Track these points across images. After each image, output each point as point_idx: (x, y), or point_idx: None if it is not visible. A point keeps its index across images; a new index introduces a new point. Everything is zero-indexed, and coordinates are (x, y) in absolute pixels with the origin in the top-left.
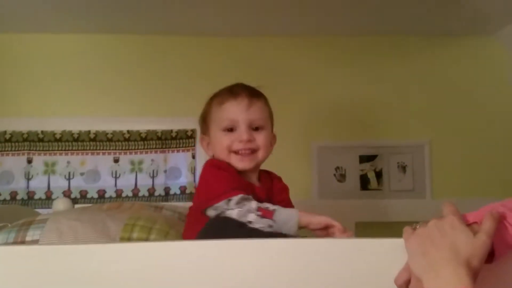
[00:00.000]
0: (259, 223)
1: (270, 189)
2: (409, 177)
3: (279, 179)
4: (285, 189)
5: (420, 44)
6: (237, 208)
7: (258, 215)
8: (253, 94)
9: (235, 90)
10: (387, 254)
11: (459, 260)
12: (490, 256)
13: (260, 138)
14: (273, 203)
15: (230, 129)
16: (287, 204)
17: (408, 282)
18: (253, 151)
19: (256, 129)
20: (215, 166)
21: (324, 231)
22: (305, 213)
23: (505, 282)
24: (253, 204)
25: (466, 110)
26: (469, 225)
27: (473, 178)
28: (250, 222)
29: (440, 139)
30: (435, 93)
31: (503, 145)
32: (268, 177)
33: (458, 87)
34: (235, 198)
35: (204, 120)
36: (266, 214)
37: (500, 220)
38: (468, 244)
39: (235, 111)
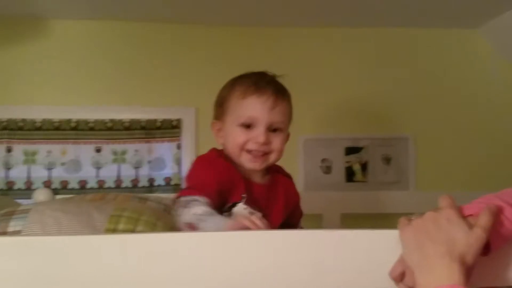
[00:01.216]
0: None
1: (277, 187)
2: (394, 169)
3: (290, 177)
4: (296, 195)
5: (404, 38)
6: (183, 207)
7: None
8: (278, 92)
9: (261, 85)
10: (382, 245)
11: (453, 255)
12: (486, 249)
13: (277, 141)
14: (278, 202)
15: (248, 126)
16: (296, 208)
17: (403, 274)
18: (266, 153)
19: (274, 130)
20: (202, 162)
21: None
22: (233, 224)
23: (497, 275)
24: (194, 210)
25: (450, 104)
26: (465, 217)
27: (457, 171)
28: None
29: (424, 132)
30: (419, 86)
31: (486, 138)
32: (277, 173)
33: (442, 80)
34: (188, 198)
35: (221, 105)
36: (191, 227)
37: (497, 213)
38: (463, 239)
39: (258, 110)
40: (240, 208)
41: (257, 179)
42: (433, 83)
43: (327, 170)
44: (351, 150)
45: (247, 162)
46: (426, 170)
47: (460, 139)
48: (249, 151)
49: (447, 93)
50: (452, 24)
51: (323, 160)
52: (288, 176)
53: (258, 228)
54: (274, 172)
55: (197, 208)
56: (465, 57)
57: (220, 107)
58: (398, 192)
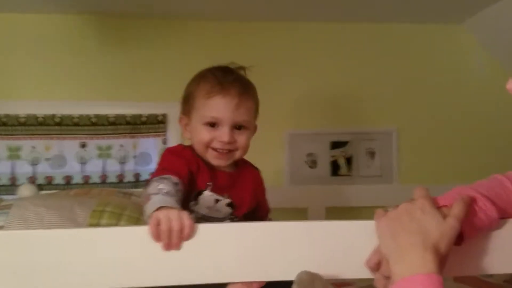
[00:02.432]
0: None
1: (244, 175)
2: (378, 163)
3: (257, 169)
4: (263, 187)
5: (389, 32)
6: (153, 183)
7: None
8: (243, 92)
9: (225, 85)
10: (358, 236)
11: (427, 244)
12: (459, 239)
13: (242, 139)
14: (245, 190)
15: (213, 124)
16: (263, 201)
17: (379, 264)
18: (231, 150)
19: (239, 127)
20: (170, 152)
21: None
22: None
23: (471, 264)
24: (161, 185)
25: (433, 98)
26: (439, 208)
27: (439, 164)
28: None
29: (408, 126)
30: (404, 81)
31: (469, 131)
32: (245, 164)
33: (427, 75)
34: (160, 176)
35: (187, 101)
36: (146, 200)
37: (470, 204)
38: (437, 229)
39: (222, 110)
40: (206, 195)
41: (223, 167)
42: (418, 77)
43: (313, 164)
44: (336, 145)
45: (213, 158)
46: (409, 164)
47: (444, 133)
48: (214, 149)
49: (432, 88)
50: (437, 18)
51: (309, 155)
52: (255, 168)
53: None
54: (243, 163)
55: (163, 184)
56: (450, 51)
57: (187, 103)
58: (382, 185)
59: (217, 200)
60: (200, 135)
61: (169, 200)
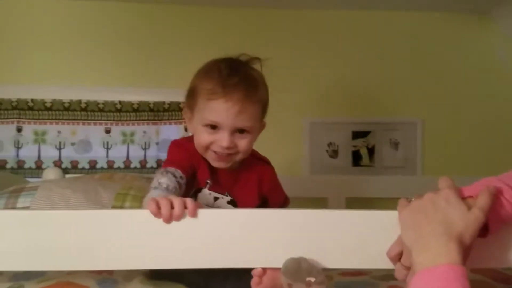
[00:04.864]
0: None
1: (248, 171)
2: (401, 154)
3: (266, 161)
4: (272, 179)
5: (414, 21)
6: (158, 175)
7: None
8: (247, 95)
9: (228, 88)
10: (380, 226)
11: (451, 235)
12: (484, 231)
13: (243, 143)
14: (248, 186)
15: (213, 127)
16: (274, 193)
17: (400, 255)
18: (232, 154)
19: (242, 131)
20: (175, 145)
21: None
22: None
23: (494, 257)
24: (163, 179)
25: (459, 89)
26: (464, 199)
27: (464, 156)
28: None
29: (433, 116)
30: (429, 72)
31: (494, 123)
32: (250, 158)
33: (452, 65)
34: (165, 169)
35: (191, 95)
36: (147, 192)
37: (496, 195)
38: (461, 219)
39: (223, 115)
40: (205, 193)
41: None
42: (444, 68)
43: (333, 154)
44: (358, 134)
45: (212, 160)
46: (433, 155)
47: (469, 125)
48: (214, 151)
49: (458, 79)
50: (463, 8)
51: (330, 144)
52: (263, 160)
53: (163, 214)
54: (249, 157)
55: (165, 178)
56: (476, 42)
57: (191, 98)
58: (405, 177)
59: (216, 198)
60: (200, 137)
61: (164, 195)
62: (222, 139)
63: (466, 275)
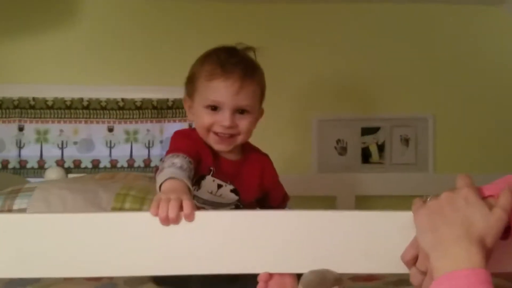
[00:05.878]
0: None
1: (251, 164)
2: (412, 151)
3: (267, 156)
4: (273, 174)
5: (424, 14)
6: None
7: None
8: (246, 74)
9: (228, 68)
10: (394, 227)
11: (472, 237)
12: (506, 233)
13: (244, 124)
14: (251, 178)
15: (214, 108)
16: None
17: (415, 258)
18: (233, 135)
19: (242, 111)
20: (179, 134)
21: None
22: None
23: None
24: (170, 161)
25: (471, 84)
26: (484, 198)
27: (477, 153)
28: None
29: (445, 111)
30: (440, 66)
31: (508, 119)
32: (253, 151)
33: (464, 60)
34: (173, 154)
35: (191, 82)
36: (159, 172)
37: None
38: (482, 220)
39: (223, 94)
40: (209, 180)
41: (228, 155)
42: (455, 62)
43: (342, 151)
44: (367, 131)
45: (214, 143)
46: (446, 152)
47: (481, 121)
48: (215, 133)
49: (470, 73)
50: (474, 0)
51: (338, 141)
52: (264, 154)
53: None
54: (250, 150)
55: (179, 159)
56: (488, 35)
57: (190, 84)
58: (416, 174)
59: (219, 186)
60: (201, 119)
61: (180, 173)
62: (223, 119)
63: (490, 280)
